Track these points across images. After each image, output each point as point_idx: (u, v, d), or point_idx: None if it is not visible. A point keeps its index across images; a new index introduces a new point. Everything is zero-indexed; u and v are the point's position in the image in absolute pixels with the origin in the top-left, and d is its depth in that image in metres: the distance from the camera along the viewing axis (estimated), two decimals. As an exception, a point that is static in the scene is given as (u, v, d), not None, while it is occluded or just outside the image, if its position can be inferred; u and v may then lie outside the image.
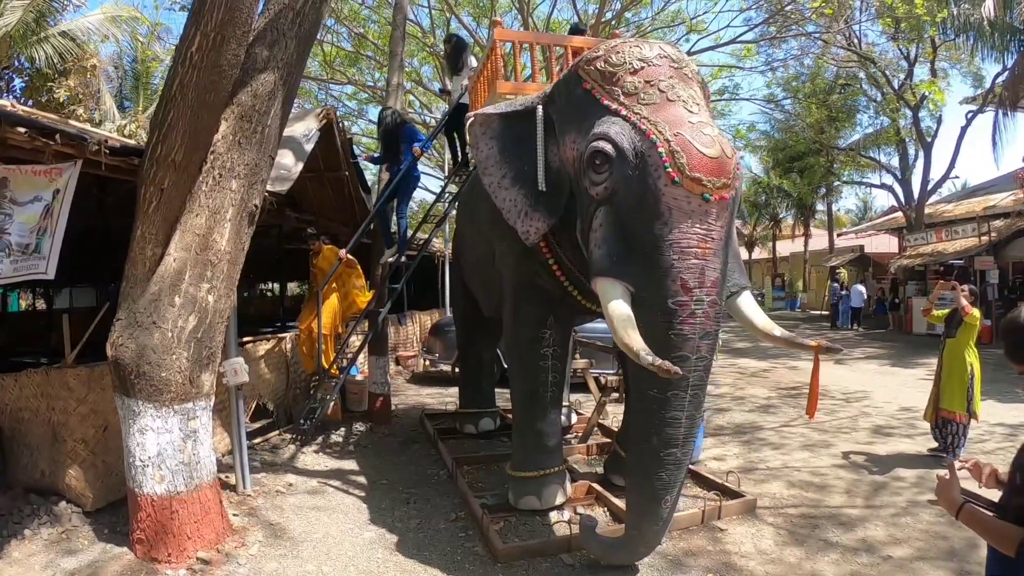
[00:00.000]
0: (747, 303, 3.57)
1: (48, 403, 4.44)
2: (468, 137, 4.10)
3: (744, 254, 35.63)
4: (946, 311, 6.06)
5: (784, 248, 31.39)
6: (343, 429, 7.25)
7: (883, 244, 22.07)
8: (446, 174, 7.86)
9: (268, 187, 5.68)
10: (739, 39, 15.67)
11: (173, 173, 3.61)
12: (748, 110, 39.16)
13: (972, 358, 5.70)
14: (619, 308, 3.03)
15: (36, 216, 3.52)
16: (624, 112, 3.20)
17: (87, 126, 6.46)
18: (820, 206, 27.17)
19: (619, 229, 3.14)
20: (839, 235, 25.61)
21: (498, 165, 3.84)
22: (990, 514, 1.76)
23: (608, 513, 4.53)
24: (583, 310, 4.32)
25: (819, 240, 28.05)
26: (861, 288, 19.31)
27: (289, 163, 6.25)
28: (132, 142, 4.06)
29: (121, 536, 3.93)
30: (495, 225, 4.24)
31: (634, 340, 2.89)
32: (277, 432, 6.82)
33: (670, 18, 17.38)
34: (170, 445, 3.66)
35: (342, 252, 6.86)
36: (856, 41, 16.53)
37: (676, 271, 2.97)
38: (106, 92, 17.20)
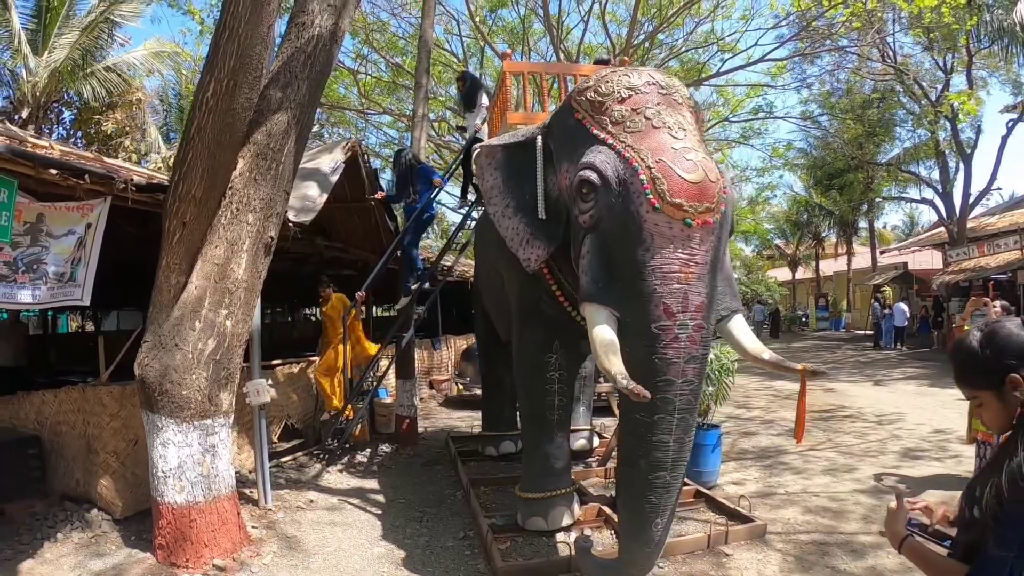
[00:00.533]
0: (738, 326, 3.57)
1: (84, 417, 4.86)
2: (475, 168, 4.30)
3: (787, 274, 35.02)
4: None
5: (828, 267, 30.74)
6: (369, 450, 7.49)
7: (927, 260, 21.45)
8: (465, 205, 8.07)
9: (293, 217, 6.09)
10: (768, 56, 15.66)
11: (194, 208, 3.95)
12: (786, 128, 38.69)
13: None
14: (602, 333, 3.10)
15: (70, 248, 3.90)
16: (611, 141, 3.29)
17: (124, 162, 6.98)
18: (863, 223, 26.56)
19: (604, 256, 3.23)
20: (882, 252, 24.98)
21: (502, 195, 4.00)
22: (940, 550, 1.67)
23: (616, 536, 4.55)
24: (575, 333, 4.42)
25: (863, 258, 27.43)
26: (904, 306, 18.79)
27: (314, 194, 6.61)
28: (159, 178, 4.40)
29: (146, 542, 4.25)
30: (502, 252, 4.37)
31: (613, 364, 2.96)
32: (304, 451, 7.11)
33: (702, 39, 17.45)
34: (190, 458, 3.95)
35: (360, 293, 7.24)
36: (891, 53, 16.31)
37: (659, 296, 3.02)
38: (152, 124, 18.23)
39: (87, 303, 4.07)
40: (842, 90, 18.82)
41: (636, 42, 15.75)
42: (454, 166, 8.03)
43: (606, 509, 4.88)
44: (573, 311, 4.20)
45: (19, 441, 4.92)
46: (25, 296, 3.74)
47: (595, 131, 3.40)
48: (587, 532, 4.53)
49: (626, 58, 7.43)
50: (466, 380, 10.94)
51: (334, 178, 6.91)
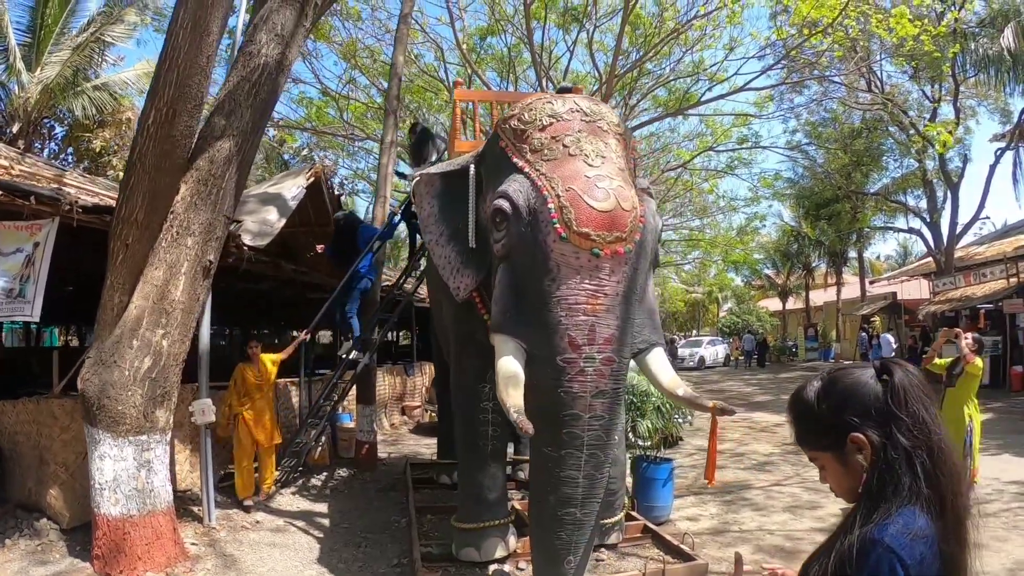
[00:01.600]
0: (656, 360, 3.46)
1: (38, 428, 5.11)
2: (413, 197, 4.36)
3: (778, 304, 35.28)
4: (947, 360, 5.85)
5: (818, 297, 31.05)
6: (326, 473, 7.64)
7: (916, 291, 21.69)
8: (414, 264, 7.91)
9: (249, 241, 6.36)
10: (751, 85, 16.09)
11: (136, 230, 4.21)
12: (775, 158, 39.22)
13: (972, 410, 5.50)
14: (506, 365, 3.07)
15: (18, 265, 4.19)
16: (527, 169, 3.29)
17: (111, 181, 7.26)
18: (853, 253, 26.90)
19: (515, 286, 3.22)
20: (872, 282, 25.25)
21: (437, 223, 3.99)
22: None
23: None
24: None
25: (853, 288, 27.76)
26: (890, 337, 18.92)
27: (273, 219, 6.89)
28: (109, 200, 4.67)
29: (88, 553, 4.42)
30: (439, 280, 4.35)
31: (510, 396, 2.95)
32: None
33: (690, 68, 17.86)
34: (125, 472, 4.15)
35: (304, 334, 7.49)
36: (878, 83, 16.74)
37: (564, 328, 2.98)
38: (141, 145, 18.59)
39: (37, 318, 4.34)
40: (829, 119, 19.26)
41: (621, 71, 16.17)
42: (397, 219, 7.86)
43: None
44: None
45: None
46: None
47: (515, 159, 3.40)
48: (522, 565, 4.50)
49: (579, 86, 7.66)
50: (436, 407, 11.11)
51: (294, 203, 7.20)
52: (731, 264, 25.34)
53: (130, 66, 16.91)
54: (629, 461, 6.21)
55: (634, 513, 5.49)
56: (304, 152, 22.34)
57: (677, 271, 34.00)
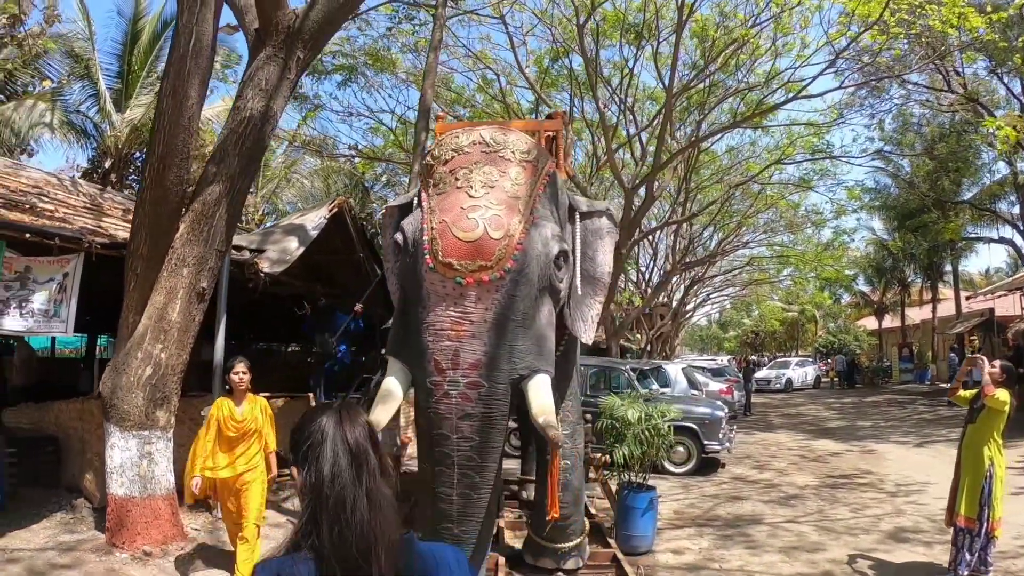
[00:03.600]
0: (533, 387, 3.43)
1: (81, 424, 6.41)
2: (379, 228, 5.32)
3: (874, 323, 33.48)
4: (972, 392, 5.36)
5: (916, 314, 29.25)
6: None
7: (1012, 306, 20.05)
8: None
9: (267, 268, 7.44)
10: (822, 93, 15.81)
11: (142, 262, 5.30)
12: (861, 171, 37.13)
13: (994, 451, 4.97)
14: (385, 384, 3.43)
15: (52, 292, 5.38)
16: (424, 203, 3.60)
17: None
18: (949, 267, 25.23)
19: (403, 312, 3.56)
20: (968, 298, 23.57)
21: (392, 254, 4.15)
22: None
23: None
24: None
25: (952, 304, 26.01)
26: (955, 356, 17.75)
27: (292, 247, 7.97)
28: (122, 236, 5.79)
29: (106, 526, 5.58)
30: None
31: (373, 412, 3.30)
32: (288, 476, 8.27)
33: (763, 78, 17.65)
34: (129, 460, 5.20)
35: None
36: (959, 80, 15.99)
37: (431, 352, 3.21)
38: (225, 176, 20.74)
39: (71, 334, 5.52)
40: (912, 124, 18.52)
41: (683, 84, 16.28)
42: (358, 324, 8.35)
43: (501, 560, 4.95)
44: None
45: (41, 439, 6.64)
46: (10, 324, 5.31)
47: (423, 192, 3.71)
48: None
49: (560, 111, 8.09)
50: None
51: (314, 233, 8.25)
52: (824, 281, 24.47)
53: (210, 104, 19.09)
54: (615, 488, 6.55)
55: (611, 541, 5.70)
56: (384, 178, 24.07)
57: (773, 289, 33.19)
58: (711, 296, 33.79)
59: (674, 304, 30.11)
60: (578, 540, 5.00)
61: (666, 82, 16.66)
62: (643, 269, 28.53)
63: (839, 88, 13.50)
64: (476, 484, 3.29)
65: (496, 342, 3.26)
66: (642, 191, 16.03)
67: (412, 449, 9.74)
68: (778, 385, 26.17)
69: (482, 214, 3.34)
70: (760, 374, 28.73)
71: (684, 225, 23.66)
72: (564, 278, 3.78)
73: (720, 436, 10.12)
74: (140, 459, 5.24)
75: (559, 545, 4.88)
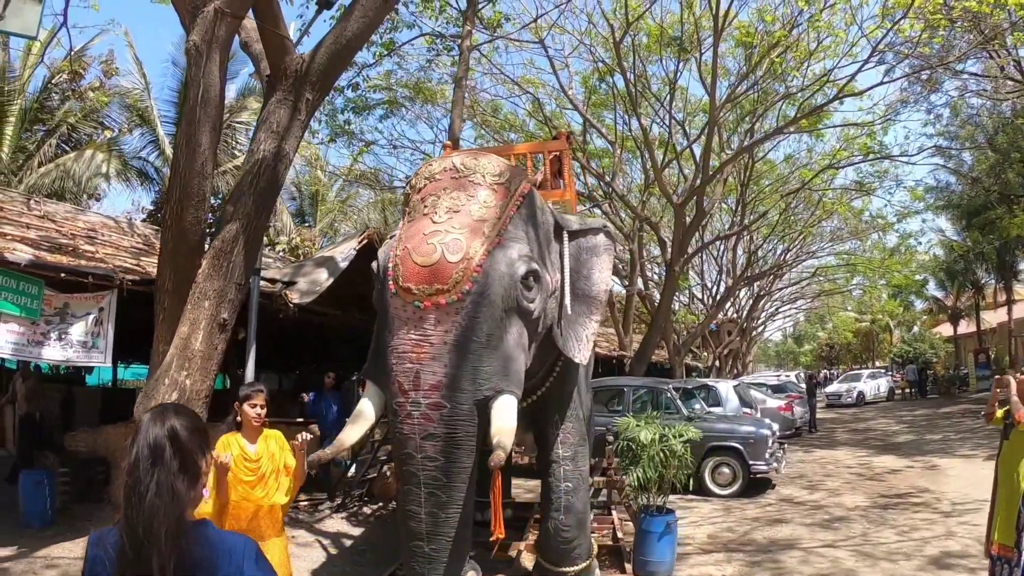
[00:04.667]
0: (496, 409, 3.46)
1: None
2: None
3: (950, 330, 31.61)
4: (1007, 408, 4.99)
5: (993, 318, 27.42)
6: (388, 505, 8.71)
7: None
8: None
9: (297, 299, 7.88)
10: (870, 89, 15.27)
11: (168, 297, 5.74)
12: (921, 170, 35.15)
13: None
14: (360, 405, 3.67)
15: (89, 325, 5.91)
16: (398, 231, 3.84)
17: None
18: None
19: (377, 337, 3.74)
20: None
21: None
22: None
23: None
24: None
25: (1027, 306, 24.30)
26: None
27: (322, 279, 8.39)
28: (149, 274, 6.27)
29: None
30: None
31: (344, 431, 3.60)
32: (313, 498, 8.59)
33: (811, 80, 17.26)
34: (157, 485, 5.59)
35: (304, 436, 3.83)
36: (1017, 65, 15.13)
37: (394, 374, 3.37)
38: (284, 210, 21.96)
39: (108, 364, 6.05)
40: (973, 116, 17.60)
41: (734, 90, 16.06)
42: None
43: None
44: None
45: (94, 460, 7.30)
46: (50, 354, 5.89)
47: (401, 221, 3.97)
48: None
49: (564, 131, 8.18)
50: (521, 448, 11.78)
51: (344, 264, 8.66)
52: (894, 288, 23.43)
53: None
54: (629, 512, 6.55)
55: (628, 566, 5.72)
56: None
57: (845, 299, 31.97)
58: (780, 310, 32.86)
59: (741, 319, 29.47)
60: (584, 564, 4.92)
61: (716, 95, 16.62)
62: (709, 284, 28.03)
63: (884, 83, 13.01)
64: (443, 503, 3.38)
65: (457, 363, 3.35)
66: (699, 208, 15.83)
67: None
68: (849, 399, 25.16)
69: (441, 238, 3.46)
70: (831, 388, 27.60)
71: (744, 238, 23.26)
72: (536, 299, 3.82)
73: (767, 456, 9.87)
74: (168, 481, 5.65)
75: (564, 569, 4.82)
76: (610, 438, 7.28)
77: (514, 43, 16.73)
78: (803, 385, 19.72)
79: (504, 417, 3.46)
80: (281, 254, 17.64)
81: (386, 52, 13.75)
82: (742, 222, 19.42)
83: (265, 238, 20.17)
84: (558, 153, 6.54)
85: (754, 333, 36.21)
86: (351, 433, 3.59)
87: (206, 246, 5.98)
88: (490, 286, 3.47)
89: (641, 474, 5.92)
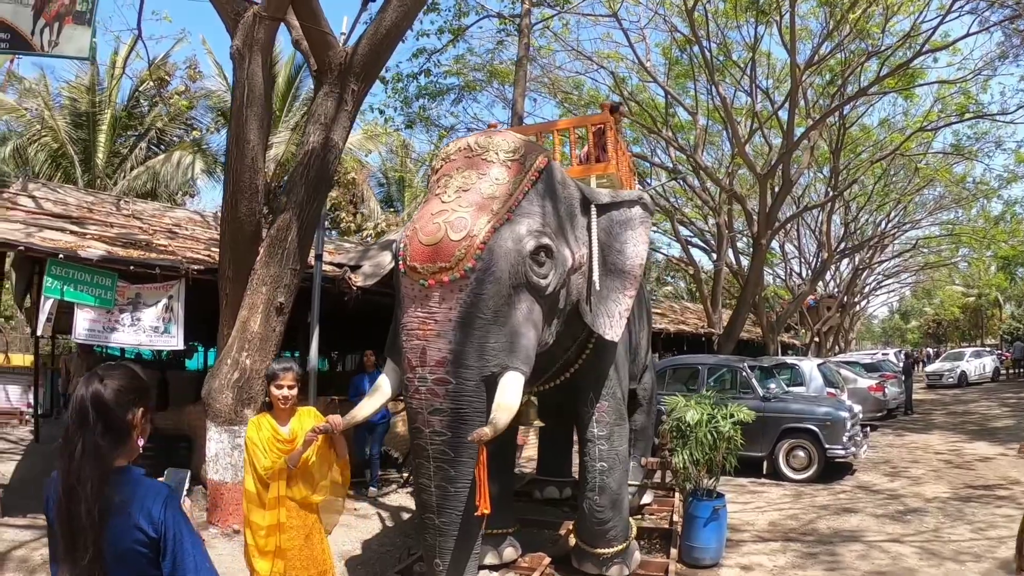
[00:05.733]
0: (501, 385, 3.48)
1: (202, 423, 7.37)
2: None
3: None
4: None
5: None
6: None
7: None
8: None
9: (360, 282, 8.18)
10: (957, 41, 13.96)
11: (229, 284, 6.17)
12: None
13: None
14: (379, 381, 3.76)
15: (160, 312, 6.46)
16: (416, 213, 3.90)
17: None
18: None
19: (395, 316, 3.78)
20: None
21: None
22: None
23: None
24: None
25: None
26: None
27: (385, 261, 8.64)
28: (215, 264, 6.71)
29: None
30: None
31: (358, 407, 3.70)
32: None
33: (902, 40, 15.97)
34: (221, 451, 6.08)
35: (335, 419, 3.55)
36: None
37: (404, 351, 3.47)
38: (372, 196, 22.71)
39: (181, 347, 6.59)
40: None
41: (816, 51, 15.14)
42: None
43: (546, 560, 5.07)
44: None
45: (177, 437, 8.00)
46: (123, 338, 6.52)
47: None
48: None
49: (607, 102, 7.68)
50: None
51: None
52: (1001, 260, 21.38)
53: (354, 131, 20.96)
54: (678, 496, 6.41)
55: (673, 551, 5.53)
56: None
57: (951, 272, 29.55)
58: (881, 284, 30.84)
59: (841, 294, 27.94)
60: (620, 546, 4.84)
61: (796, 58, 15.68)
62: (809, 258, 26.68)
63: (973, 33, 11.77)
64: (452, 477, 3.44)
65: (463, 339, 3.39)
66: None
67: (530, 452, 10.01)
68: (951, 379, 23.16)
69: (446, 217, 3.51)
70: (931, 368, 25.58)
71: (840, 209, 21.96)
72: (550, 274, 3.78)
73: (844, 440, 9.34)
74: (231, 450, 6.10)
75: (599, 551, 4.78)
76: (664, 418, 7.13)
77: (588, 17, 16.49)
78: (900, 364, 18.44)
79: (506, 394, 3.46)
80: (368, 239, 18.26)
81: (453, 37, 13.91)
82: (839, 193, 18.34)
83: (352, 224, 21.15)
84: (602, 126, 6.40)
85: (856, 309, 34.23)
86: (366, 406, 3.70)
87: (264, 235, 6.35)
88: (495, 262, 3.48)
89: (688, 456, 5.69)
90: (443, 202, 3.65)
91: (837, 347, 30.93)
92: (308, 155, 6.29)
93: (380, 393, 3.69)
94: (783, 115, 15.81)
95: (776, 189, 15.87)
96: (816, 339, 26.59)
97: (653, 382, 7.75)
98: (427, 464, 3.46)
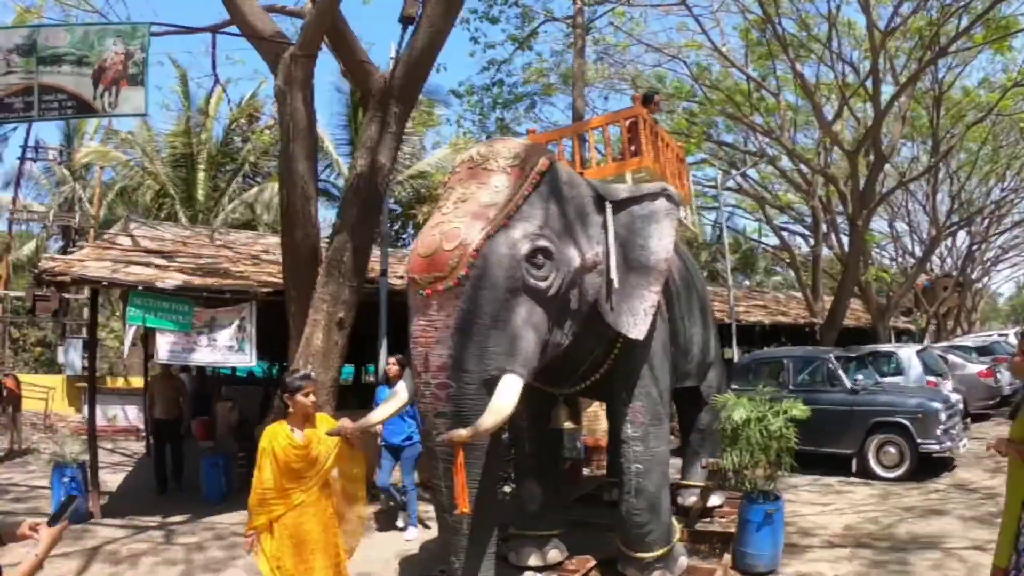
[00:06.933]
0: (499, 387, 3.54)
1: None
2: None
3: None
4: None
5: None
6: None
7: None
8: None
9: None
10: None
11: (294, 304, 6.70)
12: None
13: None
14: (396, 388, 3.93)
15: (234, 332, 7.07)
16: None
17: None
18: None
19: None
20: None
21: None
22: None
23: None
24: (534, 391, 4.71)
25: None
26: None
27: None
28: (281, 286, 7.21)
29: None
30: None
31: (374, 411, 3.98)
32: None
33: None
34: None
35: (346, 424, 3.89)
36: None
37: (413, 358, 3.66)
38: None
39: (254, 363, 7.20)
40: None
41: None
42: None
43: (591, 563, 5.08)
44: None
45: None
46: (201, 357, 7.19)
47: None
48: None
49: (637, 95, 7.35)
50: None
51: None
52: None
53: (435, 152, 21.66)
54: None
55: (727, 556, 5.42)
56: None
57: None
58: (1000, 258, 28.27)
59: (957, 273, 25.83)
60: (661, 551, 4.72)
61: (873, 19, 14.70)
62: (924, 238, 24.91)
63: None
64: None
65: (462, 345, 3.51)
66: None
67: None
68: (1073, 375, 20.50)
69: (442, 228, 3.63)
70: (1057, 346, 22.94)
71: (944, 181, 20.36)
72: (551, 275, 3.80)
73: (938, 433, 8.69)
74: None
75: (639, 555, 4.70)
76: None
77: (657, 8, 16.18)
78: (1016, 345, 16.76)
79: (499, 397, 3.52)
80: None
81: (518, 45, 14.14)
82: (936, 163, 17.07)
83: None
84: (634, 119, 6.26)
85: (978, 287, 31.57)
86: (381, 411, 3.89)
87: (322, 256, 6.80)
88: (489, 268, 3.56)
89: (737, 457, 5.42)
90: (443, 214, 3.77)
91: (960, 329, 28.64)
92: (357, 178, 6.69)
93: (397, 399, 3.84)
94: (869, 85, 14.89)
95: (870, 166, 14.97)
96: (934, 322, 24.74)
97: (721, 379, 7.41)
98: (438, 464, 3.61)
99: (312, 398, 3.82)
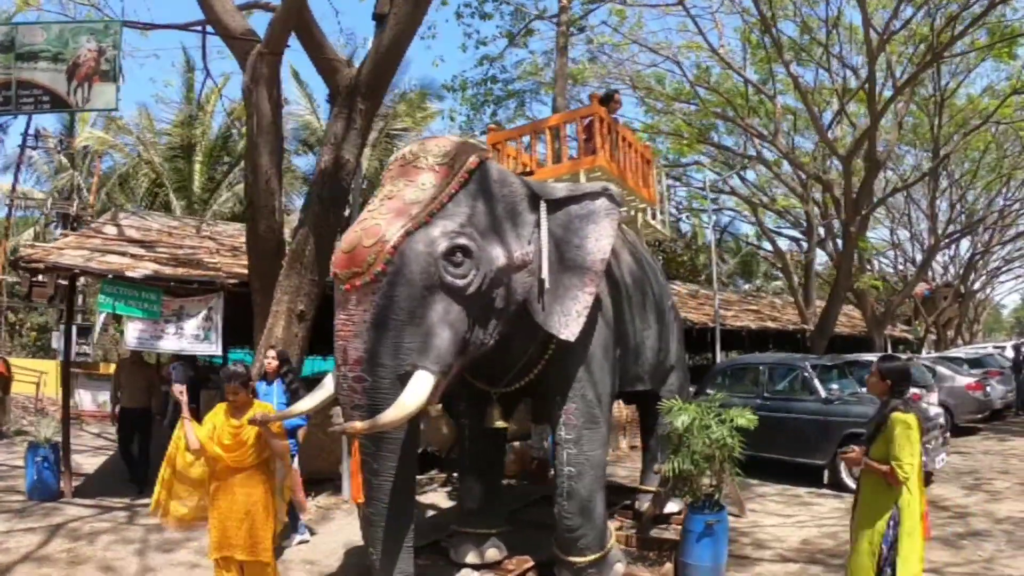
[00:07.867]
0: (409, 383, 3.60)
1: None
2: None
3: None
4: None
5: None
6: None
7: None
8: None
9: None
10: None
11: (258, 295, 6.83)
12: None
13: (910, 492, 3.70)
14: (323, 380, 3.95)
15: (200, 321, 7.27)
16: None
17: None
18: None
19: None
20: None
21: None
22: None
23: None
24: (474, 389, 5.01)
25: None
26: None
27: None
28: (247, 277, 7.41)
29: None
30: None
31: (300, 401, 4.09)
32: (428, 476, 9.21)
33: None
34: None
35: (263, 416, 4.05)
36: None
37: (335, 351, 3.72)
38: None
39: (219, 352, 7.46)
40: None
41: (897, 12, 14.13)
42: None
43: (528, 563, 5.08)
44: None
45: None
46: (167, 345, 7.39)
47: None
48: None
49: (596, 95, 7.35)
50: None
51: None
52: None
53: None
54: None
55: (668, 565, 5.33)
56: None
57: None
58: (1002, 269, 28.04)
59: (957, 283, 25.67)
60: (594, 556, 4.67)
61: (870, 19, 14.62)
62: (924, 247, 24.78)
63: None
64: (375, 471, 3.66)
65: (376, 339, 3.57)
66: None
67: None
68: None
69: (365, 225, 3.71)
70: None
71: (946, 189, 20.26)
72: (470, 274, 3.81)
73: (912, 448, 8.66)
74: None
75: (571, 559, 4.65)
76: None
77: (654, 8, 16.18)
78: (1010, 358, 16.69)
79: (408, 393, 3.56)
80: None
81: (509, 42, 14.22)
82: (933, 168, 17.02)
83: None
84: (591, 118, 6.26)
85: (980, 297, 31.35)
86: (306, 402, 3.94)
87: (285, 250, 6.94)
88: (406, 265, 3.61)
89: (677, 465, 5.19)
90: (369, 211, 3.85)
91: (960, 340, 28.43)
92: (322, 174, 6.81)
93: (323, 390, 3.85)
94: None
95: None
96: (933, 332, 24.56)
97: (683, 383, 7.33)
98: (361, 457, 3.70)
99: (232, 396, 4.02)
